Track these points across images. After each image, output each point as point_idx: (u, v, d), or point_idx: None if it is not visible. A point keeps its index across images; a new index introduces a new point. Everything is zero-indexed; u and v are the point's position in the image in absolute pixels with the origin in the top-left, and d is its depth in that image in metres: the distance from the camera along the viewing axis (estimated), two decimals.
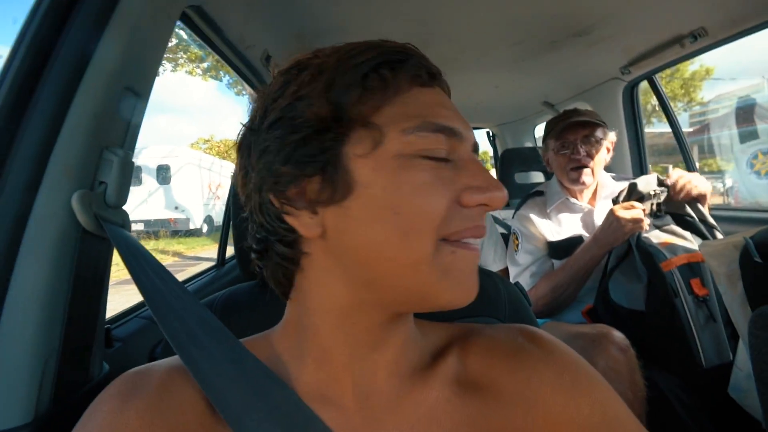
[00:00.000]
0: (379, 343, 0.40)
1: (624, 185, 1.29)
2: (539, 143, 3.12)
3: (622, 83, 1.89)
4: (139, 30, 0.69)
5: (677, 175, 1.23)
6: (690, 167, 1.83)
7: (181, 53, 8.02)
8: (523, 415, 0.39)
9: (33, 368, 0.58)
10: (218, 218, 9.16)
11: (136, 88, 0.72)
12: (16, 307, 0.58)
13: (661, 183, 1.24)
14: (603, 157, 1.38)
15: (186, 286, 1.22)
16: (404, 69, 0.38)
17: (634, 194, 1.24)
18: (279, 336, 0.43)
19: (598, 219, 1.33)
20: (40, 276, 0.59)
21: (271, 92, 0.39)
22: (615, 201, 1.28)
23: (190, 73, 8.34)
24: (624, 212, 1.18)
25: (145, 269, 0.51)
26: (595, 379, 0.42)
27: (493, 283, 0.65)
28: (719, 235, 1.20)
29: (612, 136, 1.40)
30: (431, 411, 0.39)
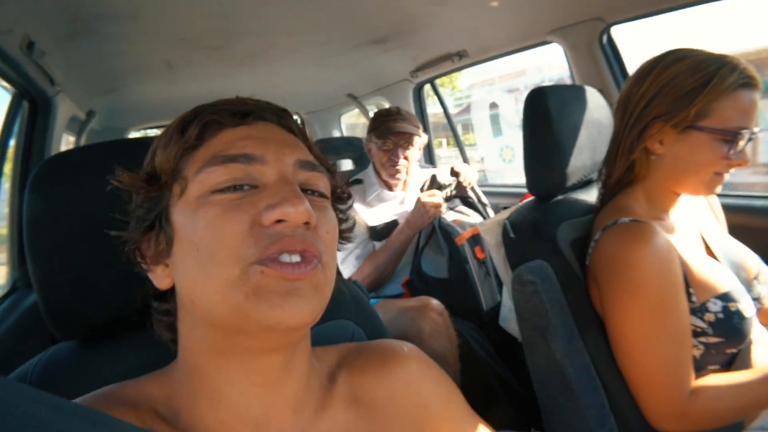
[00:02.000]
0: (276, 382, 0.40)
1: (426, 173, 1.60)
2: (344, 132, 3.37)
3: (412, 84, 2.24)
4: None
5: (463, 169, 1.59)
6: (458, 141, 2.42)
7: None
8: (416, 419, 0.47)
9: None
10: None
11: None
12: None
13: (453, 173, 1.58)
14: (416, 156, 1.64)
15: None
16: (204, 119, 0.41)
17: (434, 184, 1.55)
18: (177, 375, 0.42)
19: (409, 205, 1.58)
20: None
21: None
22: (421, 189, 1.56)
23: None
24: (428, 199, 1.46)
25: None
26: (450, 380, 0.52)
27: (336, 286, 0.71)
28: (490, 210, 1.61)
29: (424, 138, 1.66)
30: None
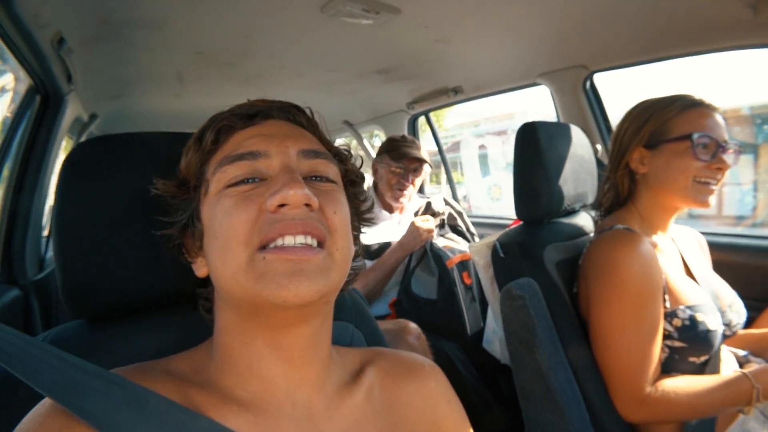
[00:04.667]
0: (299, 360, 0.43)
1: (422, 201, 1.70)
2: None
3: (407, 115, 2.36)
4: None
5: (454, 204, 1.74)
6: (449, 176, 2.58)
7: None
8: (428, 429, 0.50)
9: None
10: None
11: None
12: None
13: (446, 203, 1.70)
14: (418, 184, 1.75)
15: None
16: (218, 125, 0.46)
17: (428, 210, 1.65)
18: (207, 353, 0.45)
19: (403, 228, 1.64)
20: None
21: None
22: (415, 214, 1.65)
23: None
24: (422, 223, 1.53)
25: None
26: (460, 405, 0.55)
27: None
28: (477, 239, 1.69)
29: (428, 169, 1.77)
30: (359, 422, 0.45)
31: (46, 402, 0.36)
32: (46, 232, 1.75)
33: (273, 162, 0.43)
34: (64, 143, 1.78)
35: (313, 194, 0.41)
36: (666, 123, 0.91)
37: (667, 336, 0.85)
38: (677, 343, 0.85)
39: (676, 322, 0.84)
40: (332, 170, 0.47)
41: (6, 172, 1.45)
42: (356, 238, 0.52)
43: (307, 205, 0.40)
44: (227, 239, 0.40)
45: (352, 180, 0.53)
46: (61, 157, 1.65)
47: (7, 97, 1.55)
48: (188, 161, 0.46)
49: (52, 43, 1.08)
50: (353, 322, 0.67)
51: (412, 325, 1.32)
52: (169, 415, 0.36)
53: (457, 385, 0.58)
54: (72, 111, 1.55)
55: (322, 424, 0.43)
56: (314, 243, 0.40)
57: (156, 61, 1.52)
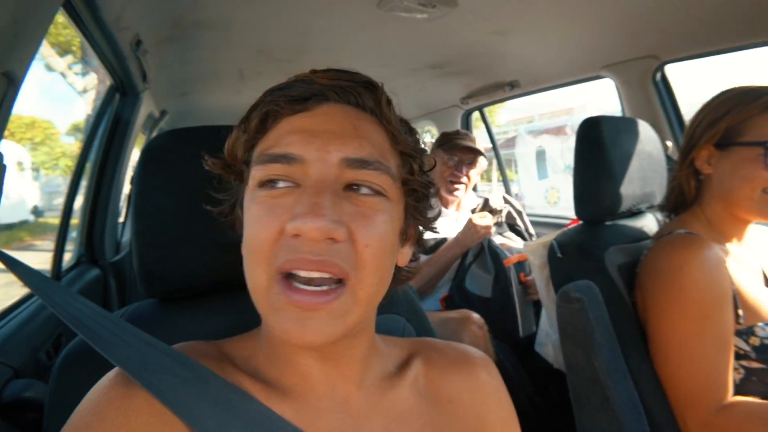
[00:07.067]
0: (335, 361, 0.42)
1: (479, 199, 1.67)
2: None
3: (461, 110, 2.31)
4: (22, 9, 0.59)
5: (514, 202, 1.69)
6: (503, 173, 2.49)
7: None
8: (474, 425, 0.47)
9: None
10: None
11: (12, 72, 0.61)
12: None
13: (505, 201, 1.66)
14: (475, 179, 1.71)
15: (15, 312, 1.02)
16: (263, 108, 0.40)
17: (486, 207, 1.62)
18: (258, 340, 0.45)
19: (460, 225, 1.62)
20: None
21: None
22: (473, 211, 1.62)
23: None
24: (480, 220, 1.50)
25: (65, 298, 0.47)
26: (511, 403, 0.52)
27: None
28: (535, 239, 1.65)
29: (485, 163, 1.73)
30: (401, 414, 0.44)
31: (113, 372, 0.39)
32: (121, 219, 1.92)
33: (309, 170, 0.37)
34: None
35: (341, 221, 0.35)
36: (745, 121, 0.80)
37: (742, 355, 0.76)
38: (755, 364, 0.76)
39: (754, 340, 0.75)
40: (384, 181, 0.39)
41: (88, 164, 1.60)
42: (417, 240, 0.47)
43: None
44: (252, 251, 0.38)
45: (413, 190, 0.43)
46: (135, 150, 1.80)
47: (91, 95, 1.71)
48: (232, 144, 0.42)
49: (130, 44, 1.18)
50: (404, 315, 0.68)
51: (476, 315, 1.30)
52: (225, 396, 0.38)
53: (508, 387, 0.56)
54: (146, 107, 1.68)
55: (362, 418, 0.42)
56: (332, 280, 0.36)
57: (220, 60, 1.60)
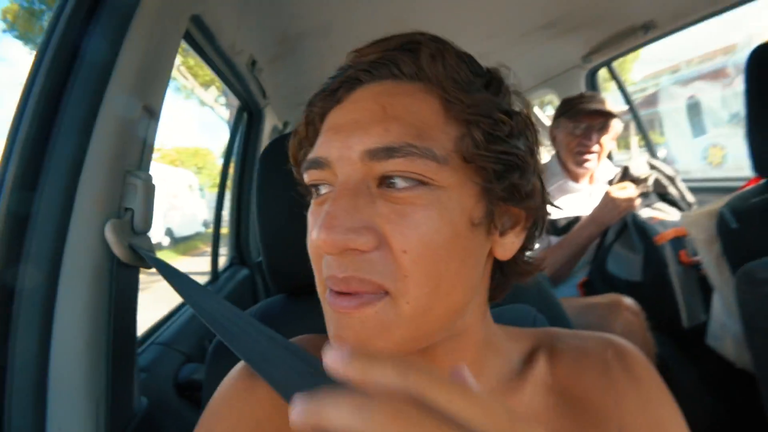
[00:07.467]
0: (436, 362, 0.38)
1: (616, 169, 1.41)
2: None
3: (583, 70, 2.02)
4: (151, 45, 0.68)
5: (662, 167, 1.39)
6: (646, 137, 2.09)
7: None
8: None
9: (86, 412, 0.57)
10: (179, 230, 8.74)
11: (152, 106, 0.71)
12: (64, 352, 0.57)
13: (651, 167, 1.38)
14: (609, 145, 1.44)
15: (185, 307, 1.21)
16: (312, 111, 0.38)
17: (627, 177, 1.36)
18: None
19: (595, 200, 1.40)
20: (83, 318, 0.58)
21: None
22: (610, 183, 1.38)
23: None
24: (619, 192, 1.28)
25: (203, 297, 0.51)
26: (672, 404, 0.41)
27: None
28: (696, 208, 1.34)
29: (620, 126, 1.44)
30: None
31: (240, 365, 0.42)
32: None
33: (337, 171, 0.33)
34: None
35: (367, 226, 0.31)
36: None
37: None
38: None
39: None
40: (421, 166, 0.31)
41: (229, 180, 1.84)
42: (540, 219, 0.39)
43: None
44: (313, 263, 0.36)
45: (482, 167, 0.34)
46: None
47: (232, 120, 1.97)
48: (291, 152, 0.41)
49: (247, 65, 1.31)
50: (534, 304, 0.63)
51: (628, 300, 1.12)
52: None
53: (673, 391, 0.44)
54: (269, 121, 1.85)
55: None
56: (366, 291, 0.32)
57: (327, 65, 1.66)
